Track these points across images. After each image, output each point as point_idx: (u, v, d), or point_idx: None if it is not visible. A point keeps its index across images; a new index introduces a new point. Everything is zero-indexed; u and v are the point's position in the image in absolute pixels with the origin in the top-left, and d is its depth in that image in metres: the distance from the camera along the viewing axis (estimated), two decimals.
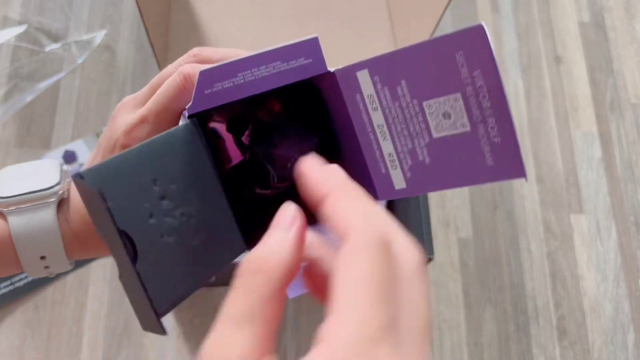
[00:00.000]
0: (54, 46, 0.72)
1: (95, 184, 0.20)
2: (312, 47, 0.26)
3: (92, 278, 0.63)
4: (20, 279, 0.62)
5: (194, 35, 0.66)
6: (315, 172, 0.20)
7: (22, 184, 0.28)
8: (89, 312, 0.62)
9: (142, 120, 0.27)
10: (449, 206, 0.71)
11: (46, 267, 0.29)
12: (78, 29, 0.74)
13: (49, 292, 0.62)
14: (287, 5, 0.66)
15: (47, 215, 0.28)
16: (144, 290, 0.20)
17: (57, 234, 0.28)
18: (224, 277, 0.56)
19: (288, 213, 0.20)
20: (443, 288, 0.66)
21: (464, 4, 0.83)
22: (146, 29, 0.53)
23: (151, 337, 0.61)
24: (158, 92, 0.27)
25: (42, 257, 0.28)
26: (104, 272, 0.63)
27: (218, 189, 0.25)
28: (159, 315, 0.21)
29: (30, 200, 0.28)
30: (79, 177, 0.20)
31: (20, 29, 0.73)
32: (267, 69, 0.25)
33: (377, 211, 0.19)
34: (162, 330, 0.20)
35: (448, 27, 0.81)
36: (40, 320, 0.61)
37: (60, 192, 0.28)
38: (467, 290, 0.67)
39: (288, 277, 0.19)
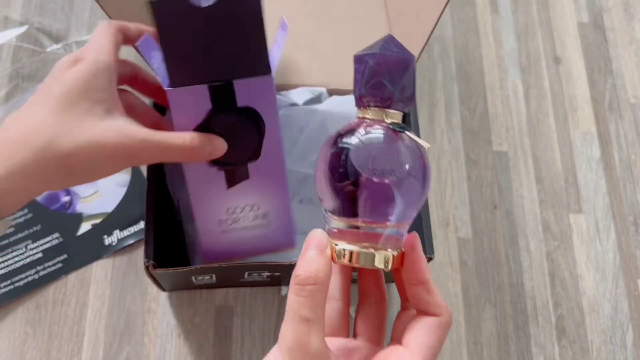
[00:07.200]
0: (55, 47, 0.73)
1: None
2: None
3: (94, 277, 0.63)
4: (21, 279, 0.62)
5: None
6: (423, 261, 0.32)
7: None
8: (90, 312, 0.62)
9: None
10: (448, 206, 0.71)
11: None
12: (79, 30, 0.75)
13: (50, 292, 0.62)
14: (284, 5, 0.66)
15: None
16: None
17: None
18: (226, 279, 0.57)
19: (320, 237, 0.29)
20: (442, 287, 0.67)
21: (463, 4, 0.83)
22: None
23: (152, 336, 0.61)
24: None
25: None
26: (105, 271, 0.64)
27: None
28: None
29: None
30: None
31: (22, 29, 0.73)
32: None
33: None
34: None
35: (447, 28, 0.81)
36: (41, 320, 0.61)
37: None
38: (466, 290, 0.67)
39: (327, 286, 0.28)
